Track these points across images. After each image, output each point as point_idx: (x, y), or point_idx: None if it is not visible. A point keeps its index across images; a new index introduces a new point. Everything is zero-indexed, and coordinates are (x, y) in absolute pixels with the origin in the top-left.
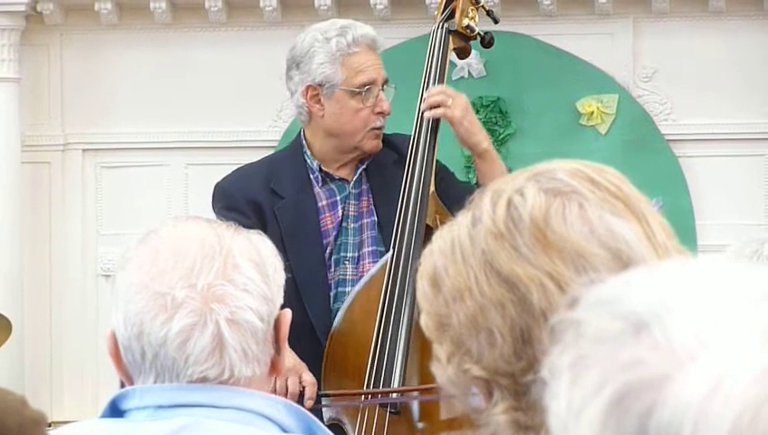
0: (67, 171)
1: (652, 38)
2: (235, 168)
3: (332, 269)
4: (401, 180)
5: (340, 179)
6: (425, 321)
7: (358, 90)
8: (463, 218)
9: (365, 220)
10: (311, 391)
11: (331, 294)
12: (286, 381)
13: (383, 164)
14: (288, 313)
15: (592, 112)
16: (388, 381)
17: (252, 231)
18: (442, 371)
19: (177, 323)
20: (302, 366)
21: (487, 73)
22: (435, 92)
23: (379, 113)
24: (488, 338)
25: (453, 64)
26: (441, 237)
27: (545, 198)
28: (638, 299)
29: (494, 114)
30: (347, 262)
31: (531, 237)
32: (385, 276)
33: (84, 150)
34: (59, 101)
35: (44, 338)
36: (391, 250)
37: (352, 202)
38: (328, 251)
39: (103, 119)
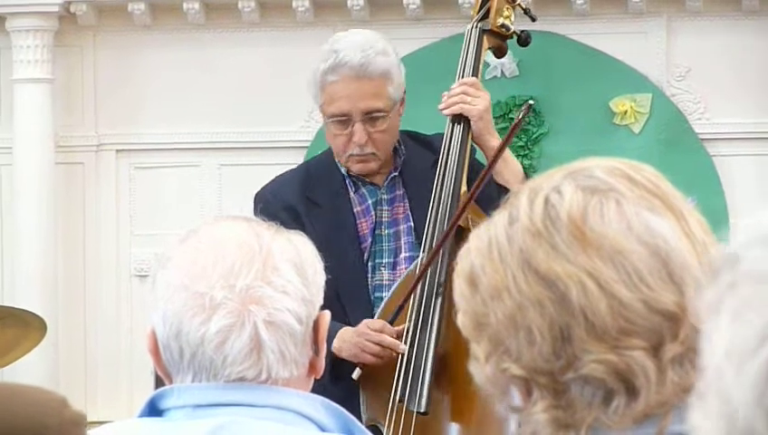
0: (101, 172)
1: (685, 37)
2: (269, 168)
3: (369, 275)
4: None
5: (372, 184)
6: (462, 320)
7: (330, 118)
8: (500, 217)
9: (401, 226)
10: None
11: (372, 299)
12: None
13: (420, 168)
14: (327, 314)
15: (626, 111)
16: (416, 379)
17: (292, 232)
18: (480, 370)
19: (215, 324)
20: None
21: (520, 73)
22: (456, 91)
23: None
24: (527, 337)
25: (486, 64)
26: (478, 236)
27: (583, 196)
28: None
29: (528, 114)
30: (383, 268)
31: (569, 235)
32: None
33: (118, 151)
34: (92, 102)
35: (79, 338)
36: (422, 251)
37: (385, 208)
38: (365, 257)
39: (137, 119)
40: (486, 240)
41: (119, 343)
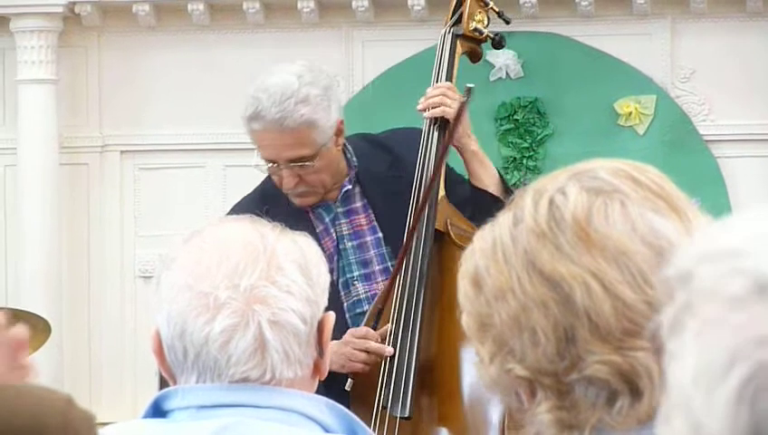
0: (105, 173)
1: (690, 39)
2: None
3: (342, 293)
4: (399, 184)
5: (324, 202)
6: (466, 321)
7: (261, 159)
8: (504, 218)
9: (367, 238)
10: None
11: (348, 317)
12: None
13: (377, 174)
14: (332, 315)
15: (630, 113)
16: (399, 384)
17: (297, 232)
18: (484, 370)
19: (219, 324)
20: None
21: (525, 74)
22: (435, 93)
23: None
24: (531, 338)
25: (491, 65)
26: (482, 238)
27: (587, 197)
28: (763, 254)
29: (532, 115)
30: (356, 282)
31: (573, 236)
32: (397, 281)
33: (122, 152)
34: (97, 103)
35: (83, 340)
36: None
37: (343, 221)
38: (334, 277)
39: (141, 120)
40: (491, 241)
41: (123, 344)
